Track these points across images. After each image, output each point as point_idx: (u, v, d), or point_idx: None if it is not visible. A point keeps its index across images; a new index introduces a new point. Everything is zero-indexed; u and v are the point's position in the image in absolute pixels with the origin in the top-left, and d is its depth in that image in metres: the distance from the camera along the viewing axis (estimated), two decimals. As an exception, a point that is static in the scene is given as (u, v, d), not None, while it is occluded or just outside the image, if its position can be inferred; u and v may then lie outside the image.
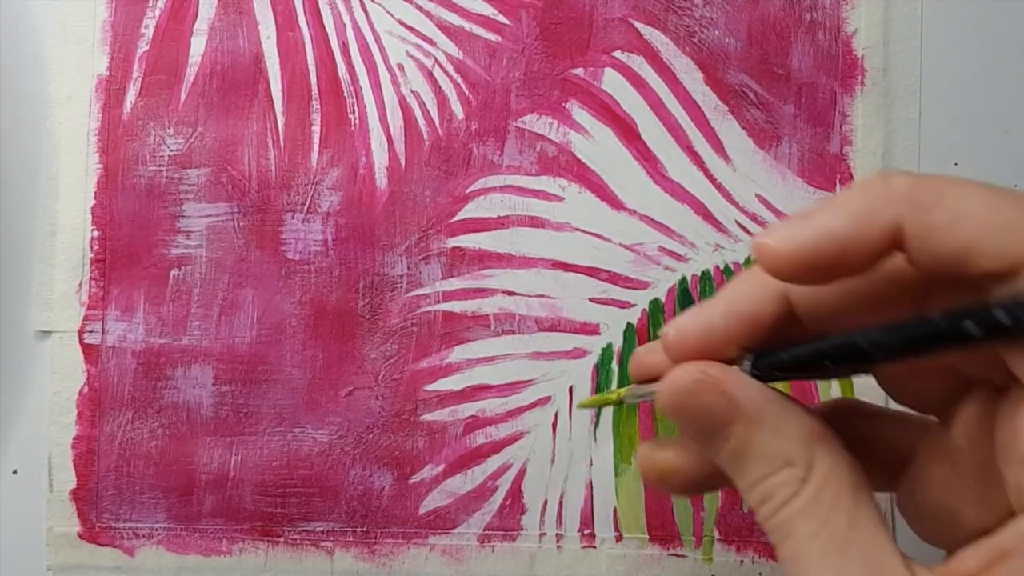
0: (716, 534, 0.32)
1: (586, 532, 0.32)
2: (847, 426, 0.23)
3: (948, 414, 0.23)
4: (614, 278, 0.32)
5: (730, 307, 0.22)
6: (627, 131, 0.33)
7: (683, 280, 0.32)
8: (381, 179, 0.33)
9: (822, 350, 0.21)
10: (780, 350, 0.22)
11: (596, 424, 0.32)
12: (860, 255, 0.20)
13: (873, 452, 0.24)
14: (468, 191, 0.33)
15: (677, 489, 0.25)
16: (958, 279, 0.20)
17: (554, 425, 0.32)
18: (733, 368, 0.22)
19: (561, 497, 0.32)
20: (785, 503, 0.21)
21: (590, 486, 0.32)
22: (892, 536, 0.22)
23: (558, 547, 0.32)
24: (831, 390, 0.32)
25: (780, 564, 0.23)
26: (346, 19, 0.33)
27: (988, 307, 0.17)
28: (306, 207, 0.33)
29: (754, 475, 0.22)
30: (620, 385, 0.32)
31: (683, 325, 0.22)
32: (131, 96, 0.33)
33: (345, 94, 0.33)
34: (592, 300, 0.32)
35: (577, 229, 0.33)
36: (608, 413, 0.32)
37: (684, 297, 0.32)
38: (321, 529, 0.32)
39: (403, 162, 0.33)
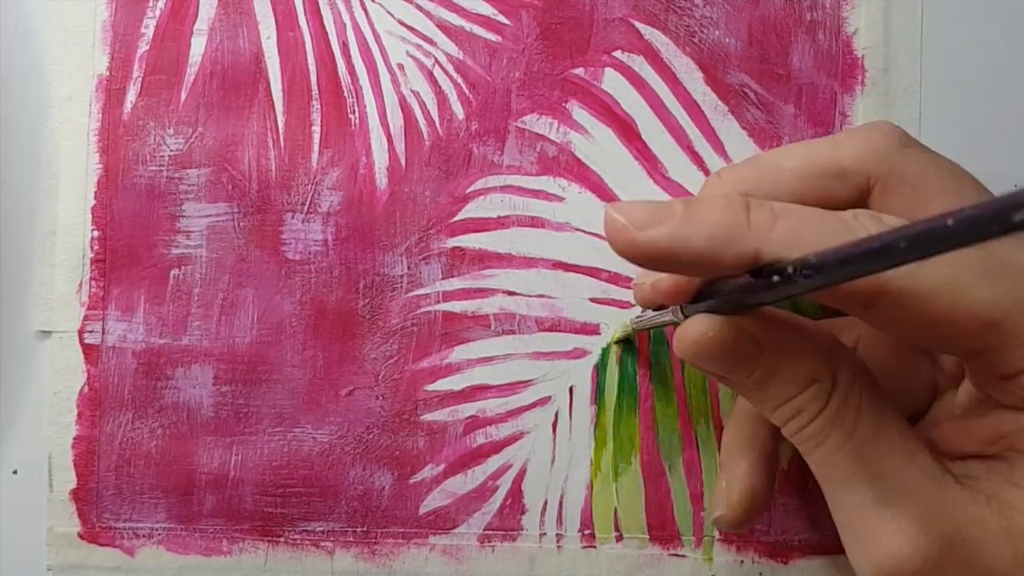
0: (716, 534, 0.32)
1: (586, 532, 0.32)
2: None
3: None
4: (614, 278, 0.32)
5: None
6: (627, 131, 0.33)
7: (683, 280, 0.32)
8: (381, 179, 0.33)
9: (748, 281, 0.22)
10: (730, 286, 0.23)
11: (596, 424, 0.32)
12: (707, 269, 0.22)
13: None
14: (468, 191, 0.33)
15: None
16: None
17: (554, 425, 0.32)
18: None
19: (561, 497, 0.32)
20: (816, 415, 0.23)
21: (590, 486, 0.32)
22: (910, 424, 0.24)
23: (558, 547, 0.32)
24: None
25: (814, 470, 0.24)
26: (346, 19, 0.33)
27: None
28: (306, 207, 0.33)
29: (782, 396, 0.23)
30: (617, 381, 0.32)
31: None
32: (131, 96, 0.33)
33: (345, 94, 0.33)
34: (592, 300, 0.32)
35: (577, 229, 0.33)
36: (609, 413, 0.32)
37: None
38: (321, 529, 0.32)
39: (403, 162, 0.33)
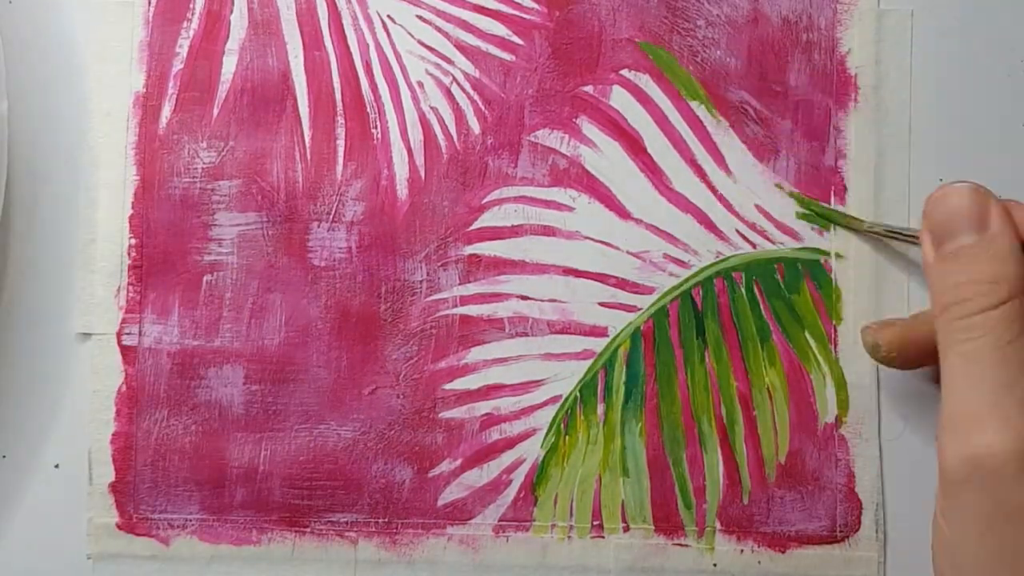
0: (718, 525, 0.34)
1: (595, 523, 0.34)
2: None
3: None
4: (622, 283, 0.34)
5: None
6: (634, 145, 0.35)
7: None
8: (402, 190, 0.34)
9: None
10: None
11: (604, 421, 0.34)
12: None
13: None
14: (484, 201, 0.35)
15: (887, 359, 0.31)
16: None
17: (565, 422, 0.34)
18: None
19: (571, 490, 0.34)
20: (983, 310, 0.26)
21: (599, 480, 0.34)
22: None
23: (568, 537, 0.34)
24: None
25: (951, 361, 0.26)
26: (369, 39, 0.35)
27: None
28: (331, 216, 0.34)
29: (961, 277, 0.26)
30: (625, 381, 0.34)
31: None
32: (167, 112, 0.35)
33: (368, 110, 0.35)
34: (601, 304, 0.34)
35: (587, 237, 0.34)
36: (616, 411, 0.34)
37: (687, 301, 0.34)
38: (345, 520, 0.34)
39: (423, 174, 0.35)
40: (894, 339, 0.31)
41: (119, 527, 0.34)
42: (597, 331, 0.34)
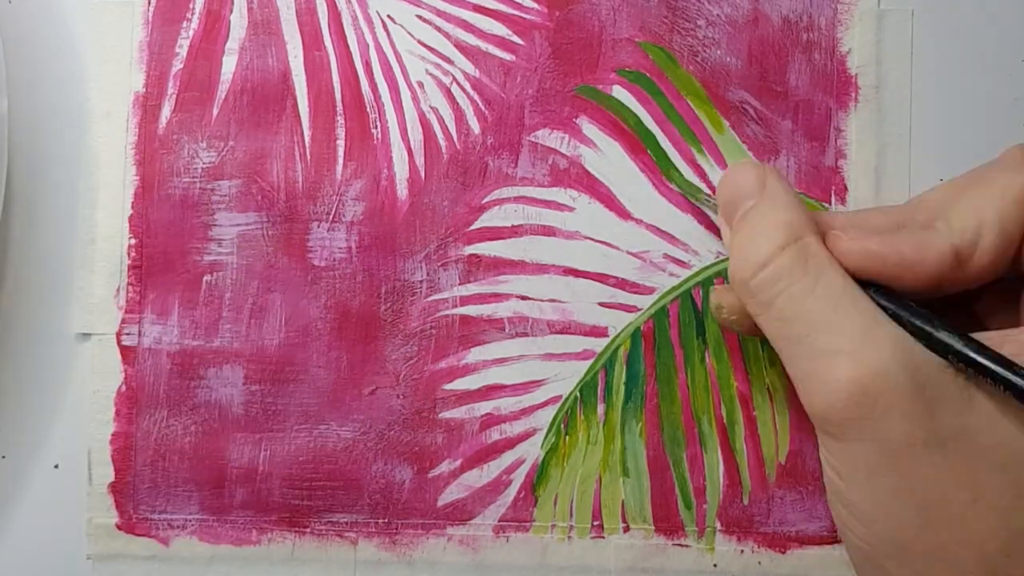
0: (718, 525, 0.34)
1: (595, 524, 0.34)
2: None
3: None
4: (622, 283, 0.34)
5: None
6: (634, 145, 0.35)
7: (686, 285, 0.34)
8: (402, 190, 0.35)
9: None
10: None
11: (605, 421, 0.34)
12: None
13: None
14: (484, 201, 0.35)
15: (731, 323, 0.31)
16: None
17: (565, 422, 0.34)
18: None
19: (572, 490, 0.34)
20: (776, 252, 0.27)
21: (599, 480, 0.34)
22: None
23: (568, 538, 0.34)
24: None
25: (778, 310, 0.27)
26: (369, 39, 0.35)
27: None
28: (331, 216, 0.34)
29: (752, 232, 0.28)
30: (625, 381, 0.34)
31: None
32: (166, 112, 0.35)
33: (368, 110, 0.35)
34: (601, 304, 0.34)
35: (587, 237, 0.34)
36: (617, 411, 0.34)
37: (687, 301, 0.34)
38: (345, 520, 0.34)
39: (423, 174, 0.35)
40: (736, 302, 0.30)
41: (119, 527, 0.34)
42: (597, 331, 0.34)
